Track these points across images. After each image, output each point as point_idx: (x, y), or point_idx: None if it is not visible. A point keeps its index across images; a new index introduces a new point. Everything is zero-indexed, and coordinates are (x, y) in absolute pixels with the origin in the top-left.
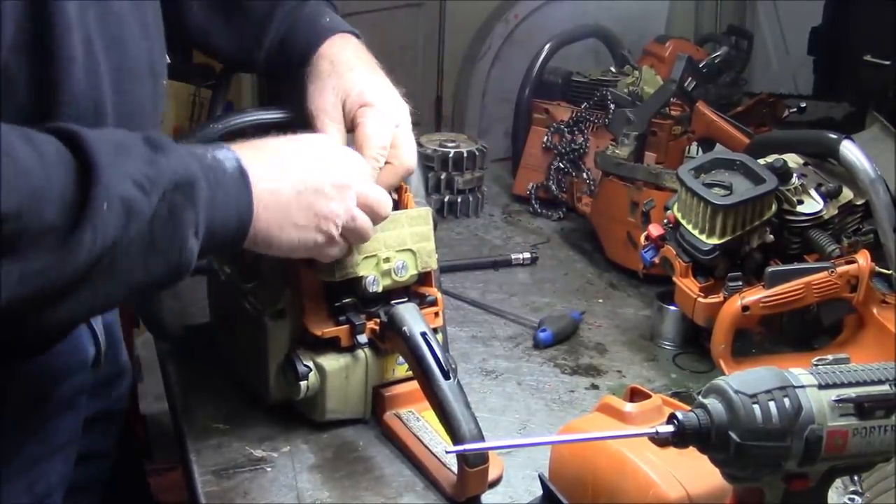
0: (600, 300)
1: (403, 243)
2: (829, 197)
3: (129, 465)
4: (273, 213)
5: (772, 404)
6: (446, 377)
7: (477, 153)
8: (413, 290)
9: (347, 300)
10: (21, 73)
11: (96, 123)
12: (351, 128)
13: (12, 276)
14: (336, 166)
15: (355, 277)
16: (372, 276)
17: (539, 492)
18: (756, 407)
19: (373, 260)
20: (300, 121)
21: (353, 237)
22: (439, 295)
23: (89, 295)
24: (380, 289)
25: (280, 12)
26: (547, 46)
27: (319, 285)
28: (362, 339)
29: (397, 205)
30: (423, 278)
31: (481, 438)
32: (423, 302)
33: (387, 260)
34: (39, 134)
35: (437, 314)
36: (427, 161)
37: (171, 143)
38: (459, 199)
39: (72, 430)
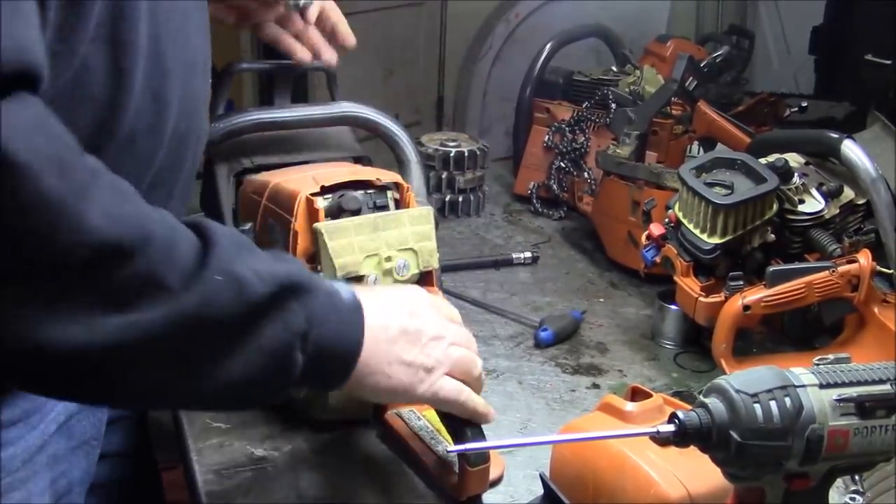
0: (601, 299)
1: (405, 242)
2: (830, 196)
3: (147, 465)
4: (382, 347)
5: (773, 404)
6: None
7: (478, 152)
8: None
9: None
10: (98, 63)
11: (161, 116)
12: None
13: (109, 326)
14: (433, 309)
15: (356, 276)
16: (373, 276)
17: (540, 491)
18: (757, 406)
19: (374, 259)
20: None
21: (459, 372)
22: (440, 294)
23: (182, 371)
24: None
25: None
26: (548, 46)
27: None
28: None
29: (399, 203)
30: (424, 278)
31: (482, 437)
32: None
33: (388, 259)
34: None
35: None
36: (428, 160)
37: (292, 256)
38: (460, 199)
39: (94, 427)
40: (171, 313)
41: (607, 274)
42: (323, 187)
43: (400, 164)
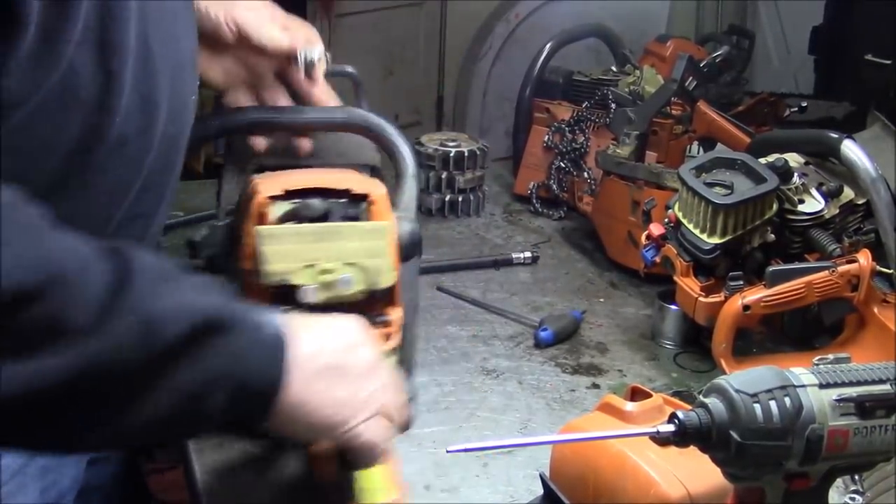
0: (601, 299)
1: (351, 256)
2: (830, 196)
3: (133, 465)
4: (308, 382)
5: (773, 403)
6: None
7: (478, 152)
8: (368, 307)
9: (286, 309)
10: (85, 67)
11: (151, 119)
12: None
13: (17, 374)
14: (370, 345)
15: (291, 285)
16: (310, 287)
17: (540, 491)
18: (757, 406)
19: (312, 270)
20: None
21: (385, 417)
22: (396, 316)
23: (94, 416)
24: (317, 300)
25: None
26: (548, 46)
27: (266, 293)
28: None
29: (357, 217)
30: (386, 296)
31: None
32: (372, 321)
33: (327, 271)
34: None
35: (388, 336)
36: (428, 160)
37: (219, 287)
38: (460, 199)
39: None
40: (77, 359)
41: (607, 274)
42: (287, 191)
43: (397, 176)
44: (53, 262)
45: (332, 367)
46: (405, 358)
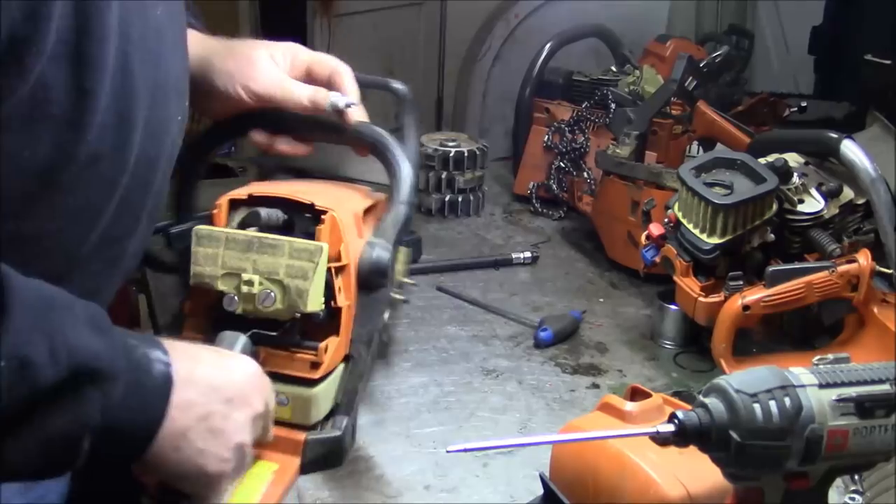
0: (601, 299)
1: (275, 272)
2: (829, 196)
3: (125, 476)
4: (179, 427)
5: (772, 403)
6: None
7: (478, 152)
8: (304, 330)
9: (219, 316)
10: (57, 82)
11: (126, 139)
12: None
13: None
14: (258, 393)
15: (214, 290)
16: (231, 295)
17: (540, 491)
18: (757, 406)
19: (235, 279)
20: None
21: (238, 471)
22: (330, 346)
23: None
24: (237, 310)
25: None
26: (548, 46)
27: (205, 294)
28: None
29: (312, 234)
30: (326, 323)
31: None
32: (294, 344)
33: (248, 283)
34: None
35: (314, 365)
36: (428, 160)
37: (109, 323)
38: (460, 199)
39: None
40: None
41: (607, 274)
42: (251, 196)
43: (389, 199)
44: None
45: (213, 415)
46: (348, 390)
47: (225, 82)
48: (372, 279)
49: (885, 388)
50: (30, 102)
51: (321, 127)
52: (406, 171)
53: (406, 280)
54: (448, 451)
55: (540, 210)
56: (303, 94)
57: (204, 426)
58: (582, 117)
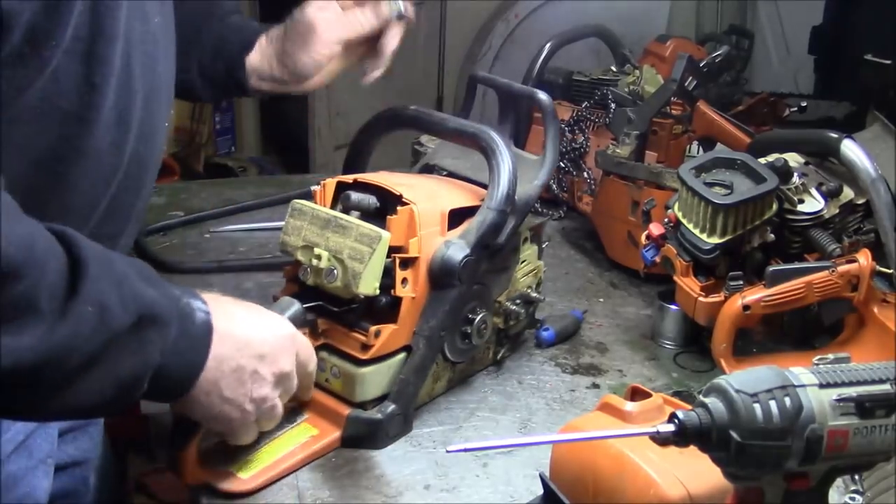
0: (601, 299)
1: (340, 251)
2: (829, 196)
3: (115, 468)
4: (211, 376)
5: (773, 403)
6: None
7: None
8: (366, 312)
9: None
10: (69, 76)
11: (123, 137)
12: None
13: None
14: (287, 354)
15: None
16: (305, 266)
17: (540, 491)
18: (757, 406)
19: (310, 252)
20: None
21: (265, 420)
22: (384, 332)
23: (37, 394)
24: (309, 281)
25: (206, 32)
26: (548, 46)
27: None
28: None
29: (382, 217)
30: (388, 309)
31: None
32: (352, 323)
33: (318, 257)
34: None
35: (363, 346)
36: None
37: (156, 274)
38: None
39: (49, 443)
40: (45, 341)
41: (607, 274)
42: (355, 181)
43: (482, 204)
44: (30, 245)
45: (237, 369)
46: (401, 380)
47: (270, 66)
48: (440, 276)
49: (886, 387)
50: (42, 94)
51: (446, 130)
52: (503, 179)
53: (534, 294)
54: (448, 451)
55: (540, 210)
56: (359, 24)
57: (233, 378)
58: (582, 117)
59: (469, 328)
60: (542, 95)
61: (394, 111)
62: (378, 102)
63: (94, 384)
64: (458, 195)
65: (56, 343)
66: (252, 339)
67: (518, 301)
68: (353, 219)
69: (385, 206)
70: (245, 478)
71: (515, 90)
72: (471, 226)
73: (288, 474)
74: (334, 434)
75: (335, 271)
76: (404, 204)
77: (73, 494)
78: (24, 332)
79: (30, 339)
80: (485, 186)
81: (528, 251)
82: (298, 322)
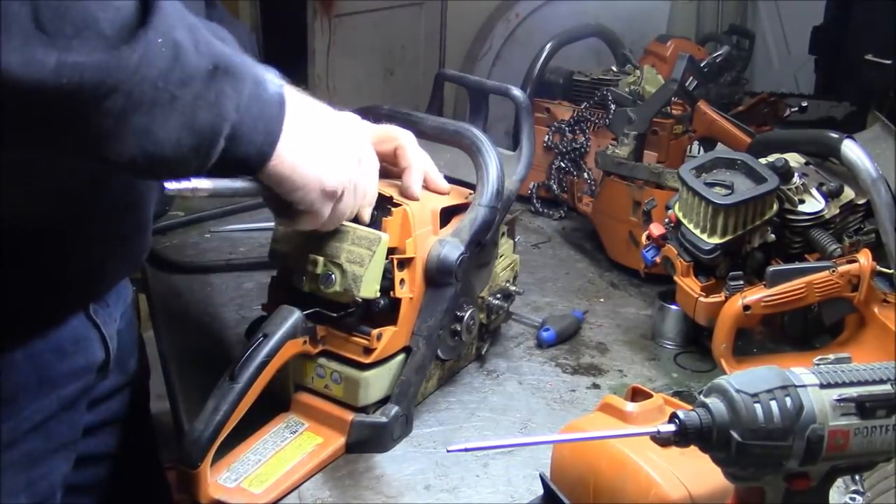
0: (601, 299)
1: (337, 256)
2: (830, 196)
3: (141, 467)
4: (289, 147)
5: (773, 404)
6: (231, 379)
7: None
8: (364, 316)
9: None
10: None
11: None
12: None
13: (47, 62)
14: (364, 141)
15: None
16: (299, 273)
17: (540, 491)
18: (758, 406)
19: (304, 258)
20: None
21: (347, 198)
22: (385, 335)
23: (116, 127)
24: (304, 288)
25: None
26: (548, 46)
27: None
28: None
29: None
30: (386, 312)
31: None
32: (352, 328)
33: (313, 263)
34: None
35: (365, 349)
36: None
37: (230, 36)
38: None
39: (72, 431)
40: (107, 62)
41: (607, 274)
42: None
43: (472, 201)
44: None
45: (321, 136)
46: (403, 381)
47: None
48: (437, 275)
49: (886, 388)
50: None
51: (428, 129)
52: (492, 176)
53: (512, 288)
54: (448, 451)
55: (540, 210)
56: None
57: (315, 142)
58: (582, 117)
59: (458, 325)
60: (516, 91)
61: (369, 110)
62: (378, 103)
63: (171, 128)
64: (442, 195)
65: (124, 66)
66: (330, 121)
67: (499, 295)
68: (348, 223)
69: (375, 208)
70: (258, 492)
71: (488, 87)
72: (462, 223)
73: (300, 484)
74: (339, 441)
75: (332, 276)
76: (396, 205)
77: (90, 490)
78: (83, 50)
79: (89, 58)
80: (460, 183)
81: (505, 245)
82: (302, 332)
